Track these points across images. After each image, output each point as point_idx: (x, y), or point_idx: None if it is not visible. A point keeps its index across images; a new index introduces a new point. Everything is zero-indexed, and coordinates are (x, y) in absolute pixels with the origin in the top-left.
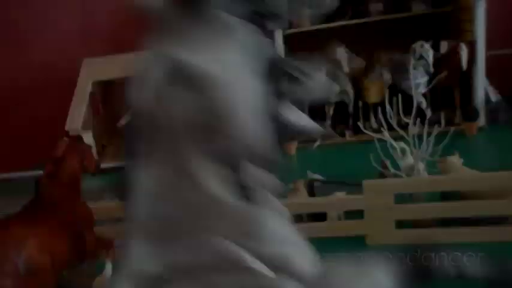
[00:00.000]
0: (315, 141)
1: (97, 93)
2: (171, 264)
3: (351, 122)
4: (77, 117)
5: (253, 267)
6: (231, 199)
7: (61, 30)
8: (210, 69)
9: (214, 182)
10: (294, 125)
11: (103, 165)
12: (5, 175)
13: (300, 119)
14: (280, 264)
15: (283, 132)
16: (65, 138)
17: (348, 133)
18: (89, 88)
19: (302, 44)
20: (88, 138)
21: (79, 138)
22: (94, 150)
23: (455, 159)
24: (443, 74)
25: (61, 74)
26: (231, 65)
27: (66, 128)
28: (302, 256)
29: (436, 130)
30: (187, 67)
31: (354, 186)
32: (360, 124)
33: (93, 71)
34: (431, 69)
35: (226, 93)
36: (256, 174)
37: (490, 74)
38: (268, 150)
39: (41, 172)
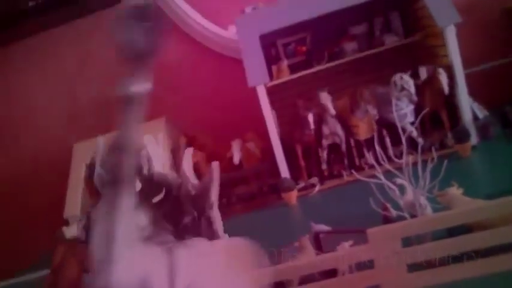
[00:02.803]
0: (313, 186)
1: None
2: None
3: (346, 161)
4: (75, 203)
5: None
6: None
7: (49, 118)
8: None
9: None
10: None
11: None
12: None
13: None
14: None
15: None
16: (61, 245)
17: (345, 173)
18: (82, 172)
19: (285, 94)
20: None
21: (76, 240)
22: None
23: (455, 190)
24: (426, 110)
25: (54, 161)
26: None
27: (65, 215)
28: None
29: (430, 165)
30: None
31: (360, 234)
32: (354, 171)
33: (85, 154)
34: (415, 98)
35: None
36: None
37: (473, 91)
38: None
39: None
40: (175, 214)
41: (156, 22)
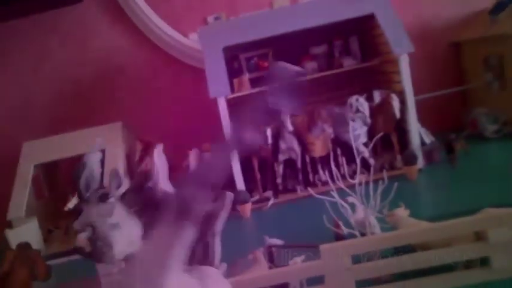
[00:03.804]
0: (268, 200)
1: (40, 176)
2: None
3: (300, 177)
4: (20, 204)
5: None
6: None
7: None
8: None
9: None
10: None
11: (50, 251)
12: None
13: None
14: None
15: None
16: (10, 251)
17: (299, 188)
18: (30, 171)
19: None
20: (33, 224)
21: (26, 246)
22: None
23: (402, 212)
24: (381, 134)
25: (0, 159)
26: None
27: (8, 217)
28: None
29: (381, 186)
30: None
31: (312, 249)
32: (309, 188)
33: (34, 153)
34: (369, 120)
35: None
36: None
37: (421, 117)
38: None
39: None
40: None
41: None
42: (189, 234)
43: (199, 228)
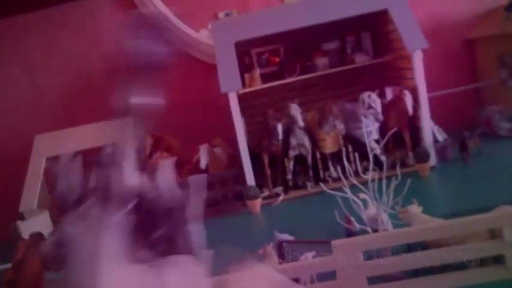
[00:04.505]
0: (278, 196)
1: (51, 169)
2: None
3: (311, 173)
4: (32, 197)
5: None
6: None
7: (10, 107)
8: None
9: None
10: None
11: None
12: None
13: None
14: None
15: None
16: (23, 241)
17: (309, 184)
18: (42, 165)
19: (256, 102)
20: (44, 216)
21: (39, 236)
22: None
23: (415, 208)
24: (394, 130)
25: (13, 152)
26: None
27: (21, 209)
28: None
29: (394, 183)
30: None
31: (323, 245)
32: (321, 184)
33: (46, 147)
34: (381, 117)
35: None
36: None
37: (434, 114)
38: None
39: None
40: (146, 226)
41: (168, 33)
42: (117, 220)
43: (173, 219)
